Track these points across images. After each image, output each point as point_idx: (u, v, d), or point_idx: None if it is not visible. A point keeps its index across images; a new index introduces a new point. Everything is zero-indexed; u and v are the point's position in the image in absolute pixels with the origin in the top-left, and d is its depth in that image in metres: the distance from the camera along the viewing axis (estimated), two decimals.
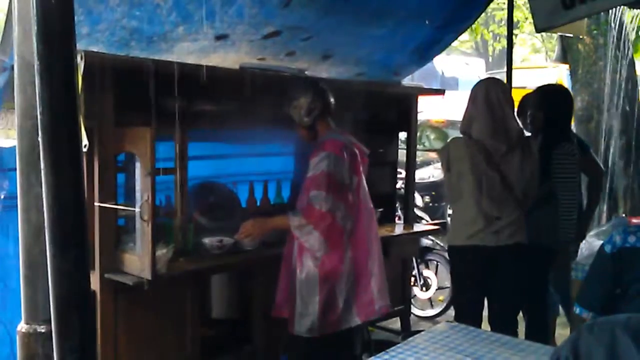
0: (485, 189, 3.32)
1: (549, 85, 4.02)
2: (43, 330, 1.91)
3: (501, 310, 3.44)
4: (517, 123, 3.45)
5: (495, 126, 3.33)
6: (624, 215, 6.21)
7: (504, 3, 6.11)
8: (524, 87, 6.15)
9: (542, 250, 3.56)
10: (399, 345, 2.36)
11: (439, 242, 5.58)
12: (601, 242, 2.79)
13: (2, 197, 2.82)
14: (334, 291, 3.08)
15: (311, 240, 3.03)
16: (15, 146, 2.06)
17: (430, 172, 8.69)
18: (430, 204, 8.47)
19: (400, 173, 4.90)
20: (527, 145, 3.41)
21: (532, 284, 3.61)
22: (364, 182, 3.23)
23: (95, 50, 2.91)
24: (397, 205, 4.93)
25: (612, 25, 6.17)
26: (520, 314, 3.74)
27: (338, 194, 3.03)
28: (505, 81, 4.43)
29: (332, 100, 3.22)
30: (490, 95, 3.37)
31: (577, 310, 2.42)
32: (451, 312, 4.80)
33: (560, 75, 10.65)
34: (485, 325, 3.37)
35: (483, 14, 5.08)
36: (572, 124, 4.17)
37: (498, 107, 3.35)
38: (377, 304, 3.17)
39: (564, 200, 3.57)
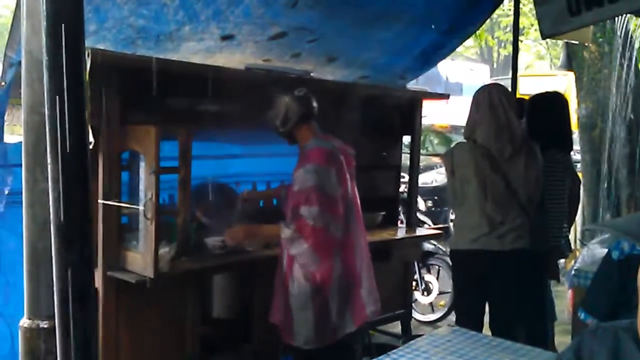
0: (489, 194, 3.31)
1: (540, 93, 3.99)
2: (45, 326, 1.91)
3: (503, 315, 3.43)
4: (521, 127, 3.44)
5: (500, 130, 3.33)
6: None
7: (510, 9, 6.12)
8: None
9: (543, 256, 3.55)
10: (400, 348, 2.36)
11: (440, 246, 5.58)
12: (603, 249, 2.79)
13: (7, 192, 2.83)
14: (327, 302, 3.03)
15: (302, 254, 2.98)
16: (20, 142, 2.07)
17: (433, 177, 8.70)
18: (433, 209, 8.48)
19: (404, 177, 4.90)
20: (532, 150, 3.40)
21: (534, 290, 3.60)
22: (351, 187, 3.17)
23: (102, 47, 2.92)
24: (399, 209, 4.93)
25: (618, 33, 6.16)
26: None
27: (330, 208, 2.97)
28: (510, 88, 4.43)
29: (313, 104, 3.12)
30: (494, 99, 3.37)
31: (581, 315, 2.41)
32: (452, 317, 4.79)
33: (568, 82, 10.62)
34: (487, 331, 3.36)
35: (488, 20, 5.09)
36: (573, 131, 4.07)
37: (502, 111, 3.35)
38: (368, 309, 3.14)
39: (550, 207, 3.55)
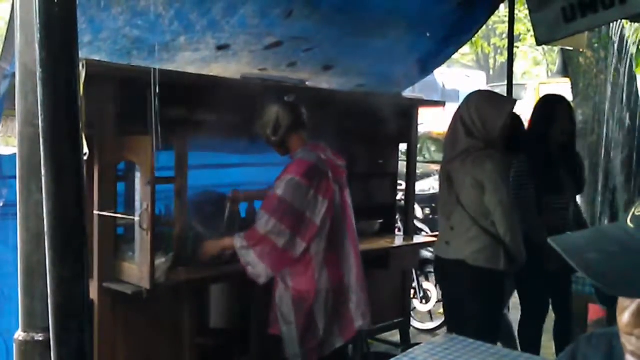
0: None
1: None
2: (41, 339, 1.89)
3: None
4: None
5: None
6: None
7: (506, 16, 6.13)
8: None
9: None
10: (397, 357, 2.35)
11: None
12: None
13: (1, 204, 2.82)
14: (312, 317, 3.02)
15: (249, 263, 2.98)
16: (15, 154, 2.06)
17: (431, 184, 8.69)
18: (431, 216, 8.46)
19: (401, 185, 4.89)
20: None
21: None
22: (341, 198, 3.14)
23: (96, 58, 2.92)
24: (397, 216, 4.92)
25: (613, 38, 6.18)
26: None
27: (287, 221, 2.94)
28: (505, 94, 4.44)
29: (303, 112, 3.13)
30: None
31: (600, 306, 2.40)
32: None
33: None
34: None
35: (484, 27, 5.10)
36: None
37: None
38: (357, 323, 3.12)
39: None
